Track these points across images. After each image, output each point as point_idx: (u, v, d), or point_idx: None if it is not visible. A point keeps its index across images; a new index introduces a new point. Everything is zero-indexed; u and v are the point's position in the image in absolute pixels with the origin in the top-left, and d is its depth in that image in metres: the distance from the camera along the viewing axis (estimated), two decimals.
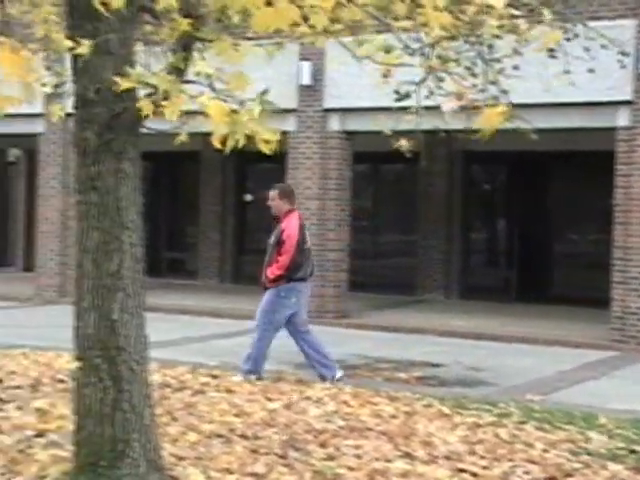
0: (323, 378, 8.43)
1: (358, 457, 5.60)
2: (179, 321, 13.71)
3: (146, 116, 4.58)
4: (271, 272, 8.48)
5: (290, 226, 8.54)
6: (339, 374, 8.54)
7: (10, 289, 17.09)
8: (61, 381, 7.57)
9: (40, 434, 5.63)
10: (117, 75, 4.48)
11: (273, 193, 8.90)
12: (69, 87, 5.97)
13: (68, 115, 5.47)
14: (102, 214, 4.80)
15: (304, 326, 8.64)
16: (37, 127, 16.13)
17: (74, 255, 4.97)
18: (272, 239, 8.63)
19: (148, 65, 5.64)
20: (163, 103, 4.34)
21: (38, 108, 15.17)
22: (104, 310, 4.76)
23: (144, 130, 4.93)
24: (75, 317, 4.84)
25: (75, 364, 4.82)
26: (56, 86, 10.17)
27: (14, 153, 21.97)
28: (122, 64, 4.65)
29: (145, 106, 4.41)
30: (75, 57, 4.75)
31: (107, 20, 4.64)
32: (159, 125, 4.84)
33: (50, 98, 11.83)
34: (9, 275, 20.37)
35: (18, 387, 7.18)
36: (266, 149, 4.31)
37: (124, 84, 4.40)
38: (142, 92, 4.59)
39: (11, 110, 14.39)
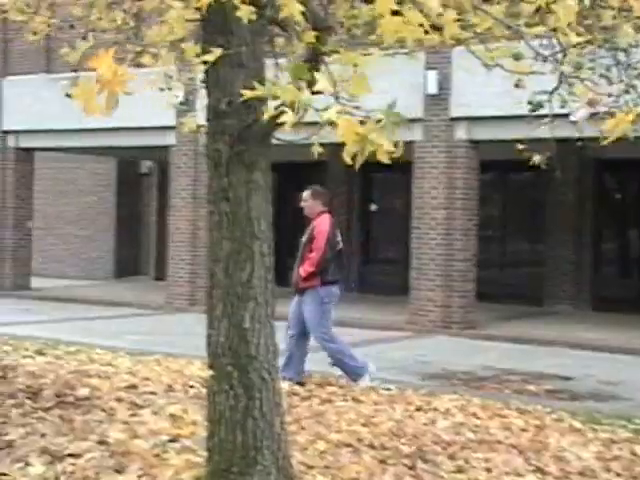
0: (284, 378, 8.25)
1: (488, 470, 5.51)
2: None
3: (276, 127, 4.65)
4: (303, 270, 8.49)
5: (321, 224, 8.55)
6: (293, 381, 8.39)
7: (142, 297, 17.58)
8: (192, 387, 7.72)
9: (174, 439, 5.75)
10: (247, 87, 4.55)
11: (306, 194, 8.84)
12: (200, 100, 6.12)
13: (199, 128, 5.58)
14: (233, 224, 4.87)
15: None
16: (169, 139, 16.56)
17: (205, 264, 5.08)
18: (304, 238, 8.66)
19: (277, 77, 5.71)
20: (286, 116, 4.38)
21: (170, 121, 15.66)
22: (235, 319, 4.83)
23: (274, 141, 4.99)
24: (207, 325, 4.93)
25: (207, 372, 4.91)
26: (187, 99, 10.44)
27: (147, 165, 22.63)
28: (253, 76, 4.72)
29: (273, 118, 4.47)
30: (207, 70, 4.86)
31: (239, 33, 4.73)
32: (289, 136, 4.90)
33: (182, 111, 12.14)
34: (141, 284, 20.96)
35: (152, 393, 7.35)
36: (385, 159, 4.30)
37: (253, 94, 4.47)
38: (273, 104, 4.64)
39: (144, 123, 14.95)
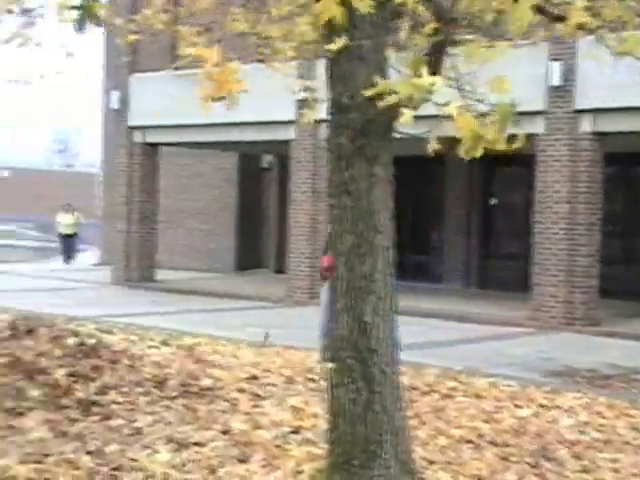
0: None
1: (615, 471, 5.35)
2: (424, 324, 13.71)
3: (396, 120, 4.62)
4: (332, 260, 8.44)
5: None
6: None
7: (263, 290, 17.81)
8: (312, 380, 7.77)
9: (295, 431, 5.80)
10: (369, 81, 4.54)
11: None
12: (320, 94, 6.14)
13: (318, 122, 5.61)
14: (355, 218, 4.87)
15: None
16: (289, 134, 16.71)
17: None
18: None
19: (399, 71, 5.68)
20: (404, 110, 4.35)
21: (291, 115, 15.80)
22: (357, 312, 4.83)
23: (396, 135, 4.96)
24: (330, 320, 4.94)
25: (330, 364, 4.92)
26: (308, 94, 10.47)
27: (267, 159, 22.90)
28: (375, 70, 4.70)
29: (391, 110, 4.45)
30: (330, 64, 4.87)
31: (361, 27, 4.72)
32: (409, 129, 4.86)
33: (302, 105, 12.23)
34: (262, 277, 21.23)
35: (273, 384, 7.43)
36: (504, 148, 4.25)
37: (374, 91, 4.46)
38: (395, 98, 4.62)
39: (266, 118, 15.06)
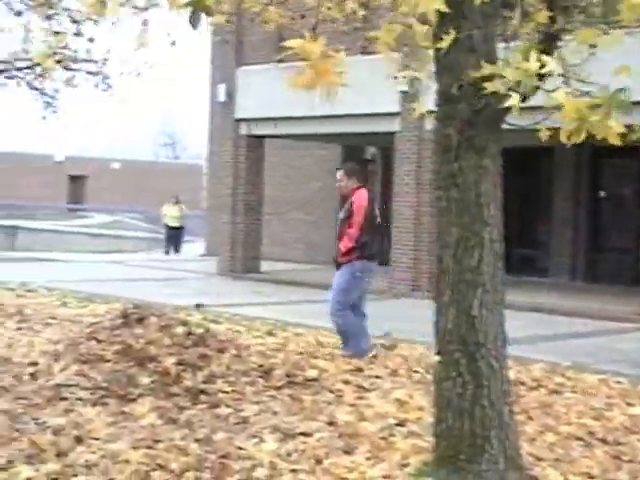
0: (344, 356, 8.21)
1: None
2: (530, 318, 13.49)
3: (506, 111, 4.56)
4: (343, 245, 8.35)
5: (359, 198, 8.37)
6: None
7: None
8: (417, 372, 7.74)
9: (400, 423, 5.79)
10: (479, 71, 4.48)
11: (340, 174, 8.71)
12: (425, 85, 6.08)
13: (424, 114, 5.56)
14: (462, 210, 4.82)
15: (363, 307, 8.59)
16: (393, 125, 16.64)
17: (431, 250, 5.02)
18: (341, 214, 8.52)
19: (507, 61, 5.59)
20: (513, 98, 4.28)
21: (395, 107, 15.74)
22: (463, 305, 4.78)
23: (505, 126, 4.89)
24: (435, 312, 4.91)
25: (435, 358, 4.89)
26: (413, 85, 10.39)
27: (371, 151, 22.86)
28: (484, 60, 4.64)
29: (507, 101, 4.38)
30: (438, 55, 4.83)
31: (471, 17, 4.67)
32: (518, 121, 4.79)
33: (407, 97, 12.14)
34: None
35: (377, 376, 7.43)
36: (616, 141, 4.13)
37: (482, 76, 4.41)
38: (504, 88, 4.55)
39: (370, 110, 15.02)
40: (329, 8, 5.86)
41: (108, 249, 29.29)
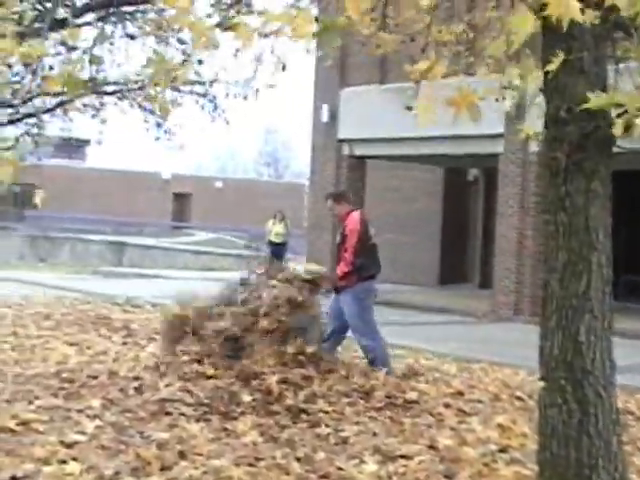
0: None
1: None
2: (637, 346, 13.13)
3: (619, 135, 4.47)
4: (340, 270, 8.28)
5: (351, 222, 8.31)
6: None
7: (467, 304, 17.62)
8: (519, 398, 7.61)
9: (503, 449, 5.70)
10: (589, 94, 4.40)
11: (330, 202, 8.65)
12: (532, 107, 6.01)
13: (536, 134, 5.49)
14: (570, 234, 4.73)
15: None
16: (497, 147, 16.47)
17: (534, 274, 4.94)
18: (337, 238, 8.53)
19: (616, 83, 5.49)
20: (637, 122, 4.20)
21: (499, 128, 15.58)
22: (570, 331, 4.68)
23: (615, 149, 4.80)
24: (540, 337, 4.82)
25: (540, 384, 4.80)
26: (518, 107, 10.27)
27: (473, 173, 22.68)
28: (594, 82, 4.56)
29: (617, 125, 4.30)
30: (547, 77, 4.77)
31: (581, 38, 4.60)
32: (629, 144, 4.69)
33: (511, 118, 12.00)
34: (466, 291, 21.02)
35: (479, 401, 7.34)
36: None
37: (596, 103, 4.32)
38: (614, 111, 4.47)
39: (474, 131, 14.77)
40: (440, 31, 5.87)
41: (211, 266, 29.75)
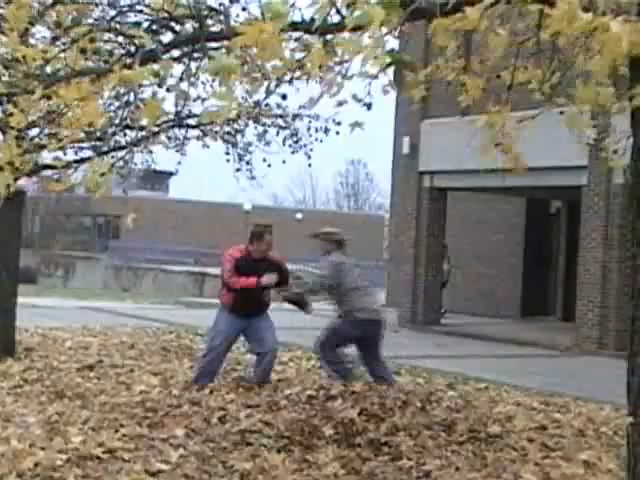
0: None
1: None
2: None
3: None
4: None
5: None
6: None
7: (549, 338, 17.35)
8: (604, 434, 7.45)
9: None
10: None
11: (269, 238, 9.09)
12: (614, 139, 5.95)
13: (614, 168, 5.44)
14: None
15: None
16: (581, 179, 16.25)
17: (619, 308, 4.83)
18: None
19: None
20: None
21: (582, 160, 15.36)
22: None
23: None
24: (628, 372, 4.74)
25: (628, 420, 4.71)
26: (602, 138, 10.15)
27: (555, 205, 22.39)
28: None
29: None
30: (634, 110, 4.72)
31: None
32: None
33: (595, 150, 11.83)
34: (548, 324, 20.70)
35: (562, 436, 7.20)
36: None
37: None
38: None
39: (557, 163, 14.57)
40: (526, 67, 5.87)
41: None
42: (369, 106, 7.17)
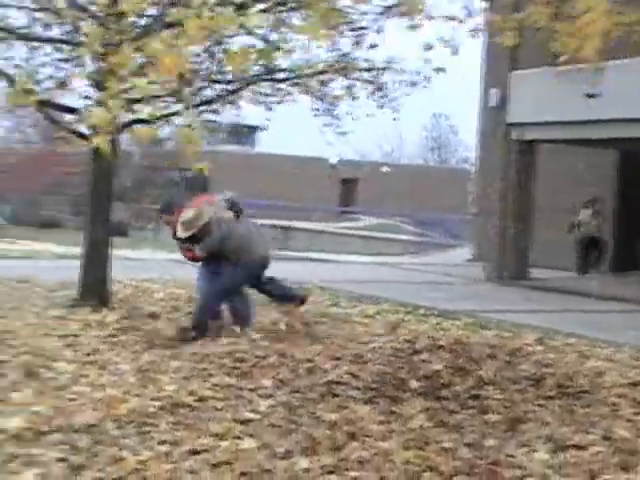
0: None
1: None
2: None
3: None
4: None
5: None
6: None
7: None
8: None
9: None
10: None
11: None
12: None
13: None
14: None
15: None
16: None
17: None
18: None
19: None
20: None
21: None
22: None
23: None
24: None
25: None
26: None
27: None
28: None
29: None
30: None
31: None
32: None
33: None
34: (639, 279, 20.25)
35: None
36: None
37: None
38: None
39: None
40: (619, 12, 5.70)
41: (377, 251, 29.89)
42: (456, 50, 7.04)
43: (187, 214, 8.57)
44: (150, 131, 6.38)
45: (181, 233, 8.61)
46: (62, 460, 4.71)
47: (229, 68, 8.86)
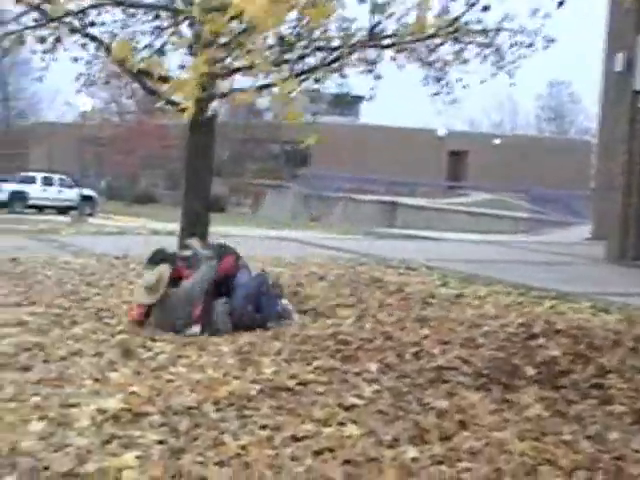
0: None
1: None
2: None
3: None
4: None
5: None
6: None
7: None
8: None
9: None
10: None
11: None
12: None
13: None
14: None
15: None
16: None
17: None
18: None
19: None
20: None
21: None
22: None
23: None
24: None
25: None
26: None
27: None
28: None
29: None
30: None
31: None
32: None
33: None
34: None
35: None
36: None
37: None
38: None
39: None
40: None
41: (487, 229, 29.60)
42: (561, 3, 6.85)
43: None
44: (249, 97, 6.41)
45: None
46: (161, 443, 4.80)
47: (332, 34, 8.85)
